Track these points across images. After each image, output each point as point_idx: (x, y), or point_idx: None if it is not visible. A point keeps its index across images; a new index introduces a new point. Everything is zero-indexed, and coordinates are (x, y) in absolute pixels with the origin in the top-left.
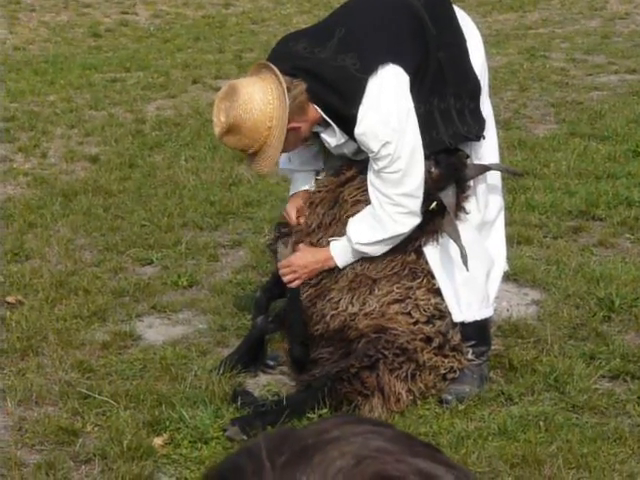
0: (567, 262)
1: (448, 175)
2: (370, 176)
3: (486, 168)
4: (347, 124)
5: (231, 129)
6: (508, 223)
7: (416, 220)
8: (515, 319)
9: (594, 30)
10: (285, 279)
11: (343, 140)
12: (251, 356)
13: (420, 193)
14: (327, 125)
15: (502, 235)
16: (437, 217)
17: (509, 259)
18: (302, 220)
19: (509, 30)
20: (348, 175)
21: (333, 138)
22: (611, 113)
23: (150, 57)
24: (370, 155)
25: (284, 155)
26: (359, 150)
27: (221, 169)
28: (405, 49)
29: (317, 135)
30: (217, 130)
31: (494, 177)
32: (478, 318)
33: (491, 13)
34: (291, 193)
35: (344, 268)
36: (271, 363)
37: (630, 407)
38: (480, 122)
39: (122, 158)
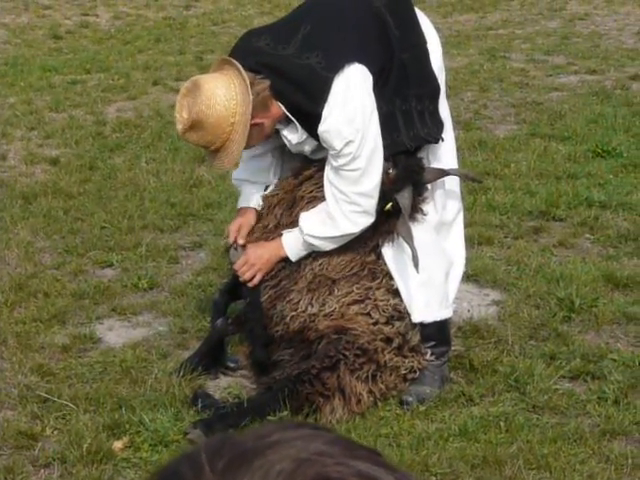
0: (527, 262)
1: (405, 177)
2: (328, 172)
3: (444, 173)
4: (310, 122)
5: (194, 125)
6: (469, 224)
7: (369, 220)
8: (476, 320)
9: (554, 31)
10: (246, 277)
11: (304, 137)
12: (211, 358)
13: (376, 193)
14: (288, 122)
15: (461, 236)
16: (393, 218)
17: (469, 260)
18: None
19: (469, 31)
20: (306, 174)
21: (294, 135)
22: (571, 113)
23: (111, 59)
24: (331, 152)
25: (240, 164)
26: (319, 148)
27: (182, 171)
28: (370, 49)
29: (277, 132)
30: (179, 127)
31: (452, 179)
32: (437, 319)
33: (451, 14)
34: (240, 206)
35: (303, 269)
36: (231, 365)
37: (590, 407)
38: (439, 124)
39: (82, 160)
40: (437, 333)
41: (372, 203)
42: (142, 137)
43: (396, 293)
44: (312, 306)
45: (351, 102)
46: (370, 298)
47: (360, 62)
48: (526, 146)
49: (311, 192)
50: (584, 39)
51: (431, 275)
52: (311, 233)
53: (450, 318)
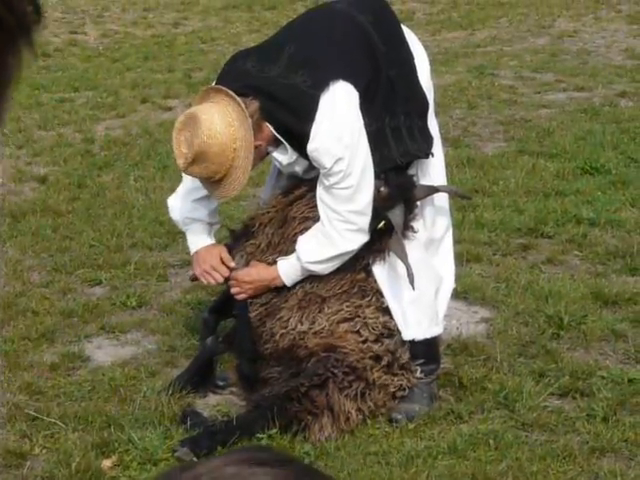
0: (516, 280)
1: (397, 195)
2: (320, 192)
3: (434, 189)
4: (299, 141)
5: (197, 158)
6: (457, 241)
7: (365, 237)
8: (465, 337)
9: (542, 48)
10: (232, 291)
11: (294, 158)
12: (200, 377)
13: (369, 210)
14: (278, 144)
15: (450, 253)
16: (385, 236)
17: (458, 277)
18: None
19: (458, 48)
20: (297, 194)
21: (285, 156)
22: (559, 131)
23: (99, 77)
24: (322, 171)
25: (190, 203)
26: (310, 168)
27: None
28: (355, 66)
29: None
30: (181, 162)
31: (441, 195)
32: (427, 336)
33: (440, 31)
34: (197, 248)
35: (294, 287)
36: (221, 383)
37: (579, 424)
38: (428, 140)
39: (71, 178)
40: (427, 351)
41: (366, 220)
42: (130, 155)
43: (386, 311)
44: (302, 324)
45: (338, 119)
46: (360, 316)
47: (346, 79)
48: (514, 163)
49: (302, 212)
50: (572, 56)
51: (422, 292)
52: (310, 260)
53: (440, 335)
